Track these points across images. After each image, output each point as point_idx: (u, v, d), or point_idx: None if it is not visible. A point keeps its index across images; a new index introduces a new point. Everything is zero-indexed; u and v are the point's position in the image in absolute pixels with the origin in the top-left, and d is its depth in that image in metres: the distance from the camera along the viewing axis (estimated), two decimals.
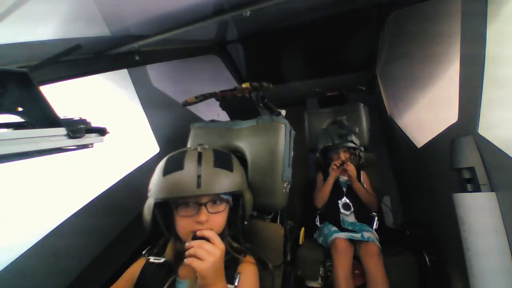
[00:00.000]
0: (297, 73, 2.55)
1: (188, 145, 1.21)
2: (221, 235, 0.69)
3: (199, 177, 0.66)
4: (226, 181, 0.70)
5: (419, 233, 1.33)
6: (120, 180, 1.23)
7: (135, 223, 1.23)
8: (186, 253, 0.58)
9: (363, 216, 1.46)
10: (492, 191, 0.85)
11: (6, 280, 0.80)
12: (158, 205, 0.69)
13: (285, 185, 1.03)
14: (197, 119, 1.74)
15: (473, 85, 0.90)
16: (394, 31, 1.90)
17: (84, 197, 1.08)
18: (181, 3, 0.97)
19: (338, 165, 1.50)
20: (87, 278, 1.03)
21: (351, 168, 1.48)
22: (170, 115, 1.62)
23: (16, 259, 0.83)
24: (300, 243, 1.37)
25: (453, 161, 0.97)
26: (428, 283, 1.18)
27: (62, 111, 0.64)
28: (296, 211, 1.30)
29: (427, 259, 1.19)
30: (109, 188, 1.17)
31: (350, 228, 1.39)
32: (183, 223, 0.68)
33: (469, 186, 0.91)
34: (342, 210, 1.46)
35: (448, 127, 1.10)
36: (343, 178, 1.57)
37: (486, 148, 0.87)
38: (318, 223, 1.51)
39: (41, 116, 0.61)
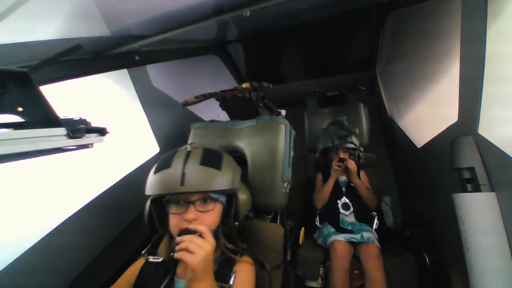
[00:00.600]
0: (297, 73, 2.55)
1: None
2: (213, 234, 0.69)
3: (183, 174, 0.66)
4: (212, 179, 0.70)
5: (419, 233, 1.33)
6: (120, 180, 1.23)
7: (135, 223, 1.23)
8: (177, 247, 0.59)
9: (363, 216, 1.46)
10: (492, 191, 0.85)
11: (7, 279, 0.80)
12: (155, 202, 0.71)
13: (285, 185, 1.03)
14: (197, 119, 1.74)
15: (473, 85, 0.90)
16: (394, 31, 1.89)
17: (84, 197, 1.08)
18: (181, 3, 0.97)
19: (339, 165, 1.51)
20: (87, 278, 1.03)
21: (351, 164, 1.49)
22: (170, 115, 1.62)
23: (17, 258, 0.83)
24: (300, 243, 1.37)
25: (453, 161, 0.96)
26: (428, 283, 1.18)
27: (61, 111, 0.64)
28: (296, 211, 1.30)
29: (427, 259, 1.20)
30: (109, 188, 1.17)
31: (349, 228, 1.39)
32: (173, 221, 0.69)
33: (469, 186, 0.91)
34: (341, 210, 1.46)
35: (448, 127, 1.10)
36: (343, 178, 1.57)
37: (486, 148, 0.87)
38: (317, 223, 1.51)
39: (41, 116, 0.61)
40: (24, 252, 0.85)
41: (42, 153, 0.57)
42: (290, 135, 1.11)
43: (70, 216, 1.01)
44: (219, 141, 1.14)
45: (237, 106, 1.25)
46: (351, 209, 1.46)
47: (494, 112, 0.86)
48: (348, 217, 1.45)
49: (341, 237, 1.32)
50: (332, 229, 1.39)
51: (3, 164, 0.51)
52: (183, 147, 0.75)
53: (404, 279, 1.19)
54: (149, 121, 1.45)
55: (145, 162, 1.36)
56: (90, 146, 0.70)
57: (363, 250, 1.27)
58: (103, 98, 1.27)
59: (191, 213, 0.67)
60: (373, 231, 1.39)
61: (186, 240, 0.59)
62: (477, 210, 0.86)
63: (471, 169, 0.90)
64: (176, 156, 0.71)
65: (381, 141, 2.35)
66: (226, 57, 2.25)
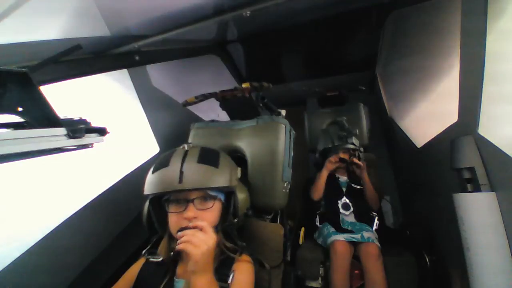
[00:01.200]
0: (297, 73, 2.55)
1: None
2: None
3: (182, 172, 0.67)
4: (210, 176, 0.70)
5: (419, 233, 1.33)
6: (121, 180, 1.23)
7: (135, 223, 1.23)
8: (179, 240, 0.59)
9: (363, 216, 1.46)
10: (492, 191, 0.85)
11: (8, 278, 0.80)
12: (154, 202, 0.71)
13: (285, 185, 1.03)
14: (197, 119, 1.74)
15: (473, 85, 0.90)
16: (394, 31, 1.89)
17: (84, 197, 1.08)
18: (181, 3, 0.97)
19: (336, 160, 1.51)
20: (87, 278, 1.03)
21: (357, 161, 1.49)
22: (170, 115, 1.62)
23: (17, 258, 0.83)
24: (300, 243, 1.37)
25: (453, 161, 0.96)
26: (428, 283, 1.18)
27: (61, 111, 0.64)
28: (296, 211, 1.30)
29: (427, 259, 1.19)
30: (109, 188, 1.17)
31: (349, 228, 1.39)
32: (172, 219, 0.69)
33: (469, 186, 0.91)
34: (341, 210, 1.46)
35: (448, 127, 1.10)
36: (343, 178, 1.57)
37: (486, 148, 0.87)
38: (318, 223, 1.51)
39: (41, 116, 0.61)
40: (24, 252, 0.85)
41: (42, 153, 0.57)
42: (290, 135, 1.11)
43: (70, 216, 1.01)
44: (219, 141, 1.14)
45: (237, 106, 1.25)
46: (351, 209, 1.46)
47: (494, 111, 0.86)
48: (348, 217, 1.46)
49: (341, 237, 1.32)
50: (332, 229, 1.39)
51: (4, 164, 0.51)
52: (181, 147, 0.76)
53: (404, 279, 1.19)
54: (149, 121, 1.45)
55: (145, 162, 1.36)
56: (90, 146, 0.70)
57: (363, 250, 1.27)
58: (103, 98, 1.27)
59: (190, 211, 0.67)
60: (373, 231, 1.39)
61: (189, 234, 0.59)
62: (477, 210, 0.86)
63: (471, 169, 0.90)
64: (174, 155, 0.72)
65: (381, 141, 2.35)
66: (226, 57, 2.25)
